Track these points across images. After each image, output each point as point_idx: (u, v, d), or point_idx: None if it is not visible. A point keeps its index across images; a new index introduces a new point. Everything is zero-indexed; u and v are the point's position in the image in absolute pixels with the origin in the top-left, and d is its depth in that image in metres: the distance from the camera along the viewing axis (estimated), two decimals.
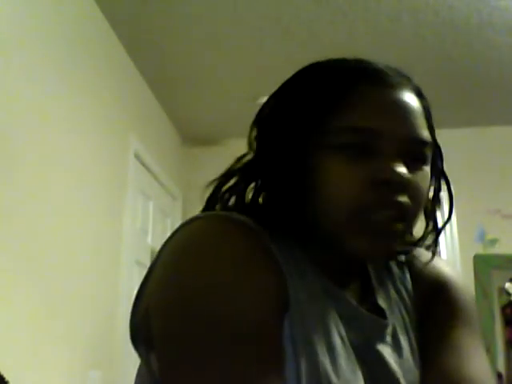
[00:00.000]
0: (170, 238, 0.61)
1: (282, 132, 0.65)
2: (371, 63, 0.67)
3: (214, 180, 0.69)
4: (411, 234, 0.69)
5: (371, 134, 0.62)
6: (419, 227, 0.70)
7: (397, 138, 0.62)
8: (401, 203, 0.61)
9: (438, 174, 0.71)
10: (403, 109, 0.64)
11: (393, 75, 0.66)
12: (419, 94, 0.67)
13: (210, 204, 0.69)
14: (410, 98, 0.65)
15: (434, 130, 0.68)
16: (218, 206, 0.68)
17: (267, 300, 0.56)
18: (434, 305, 0.71)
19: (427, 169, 0.65)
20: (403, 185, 0.60)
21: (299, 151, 0.63)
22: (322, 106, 0.63)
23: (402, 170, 0.60)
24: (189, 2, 2.53)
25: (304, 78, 0.67)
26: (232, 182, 0.69)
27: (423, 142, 0.64)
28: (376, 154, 0.61)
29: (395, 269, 0.75)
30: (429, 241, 0.72)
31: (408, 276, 0.75)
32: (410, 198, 0.61)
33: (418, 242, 0.72)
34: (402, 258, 0.75)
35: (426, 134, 0.64)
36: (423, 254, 0.74)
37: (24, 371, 1.80)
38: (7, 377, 1.46)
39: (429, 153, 0.65)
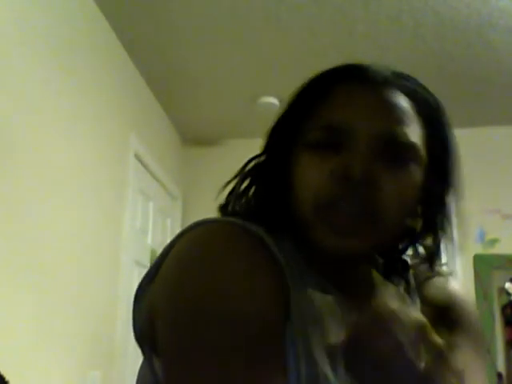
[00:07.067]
0: (174, 242, 0.61)
1: (276, 134, 0.69)
2: (356, 63, 0.67)
3: (228, 182, 0.71)
4: (386, 232, 0.63)
5: (340, 132, 0.63)
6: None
7: (367, 136, 0.62)
8: (361, 199, 0.60)
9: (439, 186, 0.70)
10: (379, 107, 0.63)
11: (377, 74, 0.65)
12: (411, 95, 0.65)
13: (224, 207, 0.71)
14: (392, 97, 0.64)
15: (436, 132, 0.66)
16: (229, 209, 0.70)
17: (272, 303, 0.56)
18: (440, 321, 0.71)
19: (409, 170, 0.63)
20: (363, 181, 0.59)
21: (287, 152, 0.67)
22: (303, 108, 0.67)
23: (365, 166, 0.60)
24: (189, 2, 2.53)
25: (299, 86, 0.69)
26: (244, 184, 0.71)
27: (400, 143, 0.62)
28: (345, 151, 0.62)
29: (402, 281, 0.74)
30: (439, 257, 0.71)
31: (415, 288, 0.74)
32: (378, 196, 0.60)
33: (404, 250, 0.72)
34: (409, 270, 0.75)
35: (404, 134, 0.62)
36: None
37: (24, 371, 1.81)
38: (7, 377, 1.46)
39: (411, 154, 0.63)
